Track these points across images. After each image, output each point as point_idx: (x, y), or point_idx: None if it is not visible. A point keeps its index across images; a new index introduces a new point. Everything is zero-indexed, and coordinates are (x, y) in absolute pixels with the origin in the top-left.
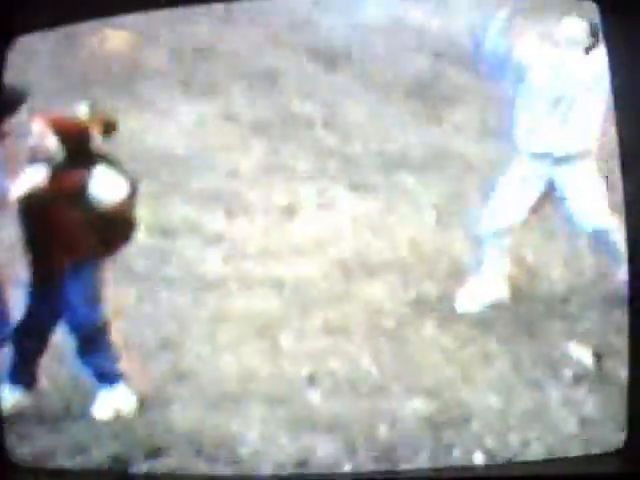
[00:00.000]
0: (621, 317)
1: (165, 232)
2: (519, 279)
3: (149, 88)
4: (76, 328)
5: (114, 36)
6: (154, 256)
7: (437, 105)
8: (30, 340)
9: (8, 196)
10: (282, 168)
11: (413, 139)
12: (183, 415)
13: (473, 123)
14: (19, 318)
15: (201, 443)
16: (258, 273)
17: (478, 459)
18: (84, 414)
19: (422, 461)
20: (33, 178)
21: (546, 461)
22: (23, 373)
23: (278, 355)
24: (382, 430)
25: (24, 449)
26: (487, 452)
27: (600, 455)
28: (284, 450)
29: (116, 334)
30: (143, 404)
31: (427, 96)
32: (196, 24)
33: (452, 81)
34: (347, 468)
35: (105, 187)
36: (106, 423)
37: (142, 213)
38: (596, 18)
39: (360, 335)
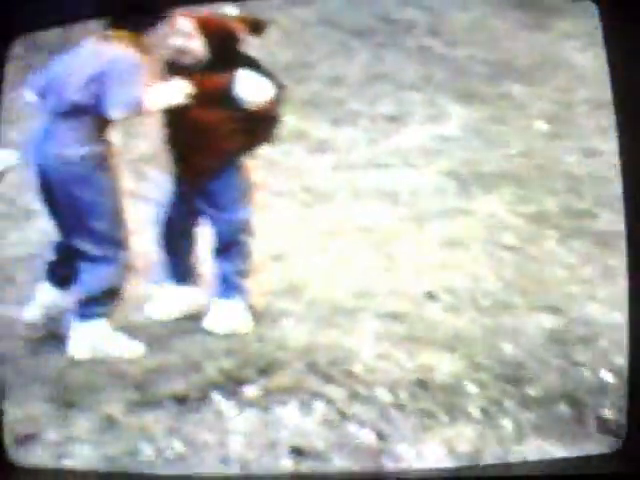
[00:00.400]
0: None
1: None
2: None
3: None
4: (220, 229)
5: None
6: (260, 165)
7: (545, 14)
8: (178, 240)
9: (149, 104)
10: (386, 76)
11: (520, 47)
12: (296, 330)
13: (581, 32)
14: (162, 221)
15: (314, 359)
16: (369, 184)
17: (607, 377)
18: (197, 328)
19: (551, 380)
20: (176, 90)
21: (545, 461)
22: (181, 271)
23: (394, 269)
24: (506, 347)
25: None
26: (615, 370)
27: (600, 455)
28: (401, 368)
29: None
30: (255, 318)
31: (534, 4)
32: None
33: None
34: (470, 388)
35: (250, 89)
36: (219, 338)
37: None
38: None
39: (479, 249)
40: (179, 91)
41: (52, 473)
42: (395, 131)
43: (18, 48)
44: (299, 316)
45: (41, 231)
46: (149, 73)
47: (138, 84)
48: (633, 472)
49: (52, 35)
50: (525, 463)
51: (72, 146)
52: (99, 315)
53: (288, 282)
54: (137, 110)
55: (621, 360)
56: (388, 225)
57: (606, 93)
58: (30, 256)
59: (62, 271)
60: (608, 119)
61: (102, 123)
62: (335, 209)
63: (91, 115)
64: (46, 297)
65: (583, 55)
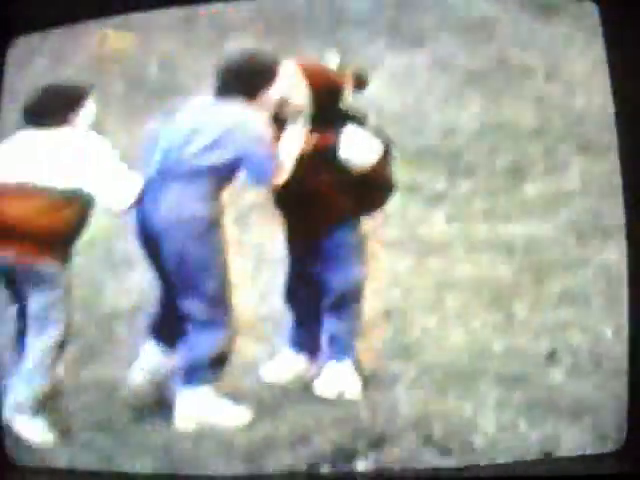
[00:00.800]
0: None
1: None
2: None
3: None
4: (333, 287)
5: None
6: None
7: None
8: (299, 305)
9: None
10: (504, 124)
11: None
12: (409, 397)
13: None
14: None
15: (430, 430)
16: (484, 235)
17: None
18: (307, 395)
19: None
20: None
21: (546, 461)
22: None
23: (513, 328)
24: None
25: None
26: None
27: (600, 455)
28: (524, 438)
29: None
30: (365, 383)
31: None
32: None
33: None
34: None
35: (357, 151)
36: (328, 406)
37: None
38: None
39: (601, 305)
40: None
41: (52, 473)
42: (513, 181)
43: (18, 48)
44: (412, 380)
45: (143, 282)
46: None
47: (271, 146)
48: (633, 472)
49: (52, 35)
50: (525, 463)
51: (188, 206)
52: (206, 381)
53: (399, 342)
54: (276, 175)
55: None
56: (505, 278)
57: None
58: (131, 310)
59: (168, 330)
60: None
61: (223, 183)
62: (449, 261)
63: (213, 176)
64: (151, 358)
65: None
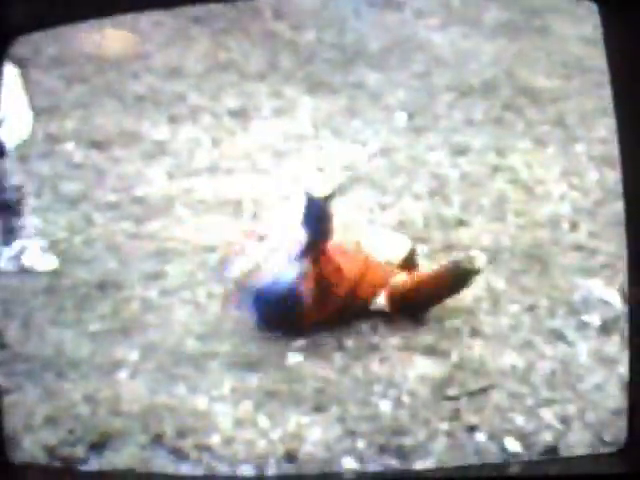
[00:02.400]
0: None
1: (97, 144)
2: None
3: None
4: None
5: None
6: (86, 175)
7: None
8: None
9: None
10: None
11: (370, 28)
12: (133, 387)
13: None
14: None
15: (160, 428)
16: (209, 192)
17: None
18: None
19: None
20: None
21: (546, 461)
22: None
23: None
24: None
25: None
26: None
27: (600, 455)
28: (265, 435)
29: None
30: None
31: None
32: None
33: None
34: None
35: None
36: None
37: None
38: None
39: None
40: None
41: (52, 473)
42: (241, 128)
43: (18, 48)
44: (134, 367)
45: None
46: None
47: None
48: (633, 472)
49: (52, 35)
50: (525, 463)
51: None
52: None
53: (117, 319)
54: None
55: None
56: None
57: (470, 78)
58: None
59: None
60: (475, 109)
61: None
62: (171, 225)
63: None
64: None
65: (442, 34)
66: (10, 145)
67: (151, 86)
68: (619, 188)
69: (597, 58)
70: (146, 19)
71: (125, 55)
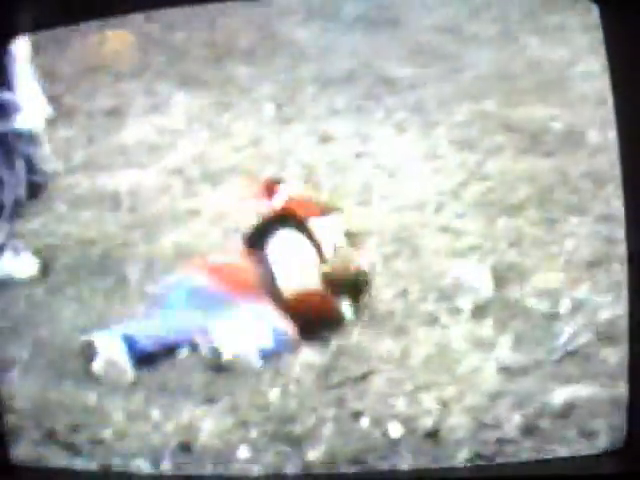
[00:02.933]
0: None
1: None
2: None
3: None
4: None
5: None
6: None
7: None
8: None
9: None
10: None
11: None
12: (24, 384)
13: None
14: None
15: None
16: (86, 188)
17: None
18: None
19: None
20: None
21: (545, 461)
22: None
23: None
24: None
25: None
26: None
27: (600, 455)
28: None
29: None
30: None
31: None
32: None
33: None
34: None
35: None
36: None
37: None
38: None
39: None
40: None
41: (52, 473)
42: (115, 126)
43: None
44: (26, 364)
45: None
46: None
47: None
48: (633, 472)
49: (52, 35)
50: (525, 463)
51: None
52: None
53: (7, 318)
54: None
55: None
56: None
57: (332, 70)
58: None
59: None
60: (338, 99)
61: None
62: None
63: None
64: None
65: (304, 30)
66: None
67: None
68: (480, 170)
69: (450, 44)
70: None
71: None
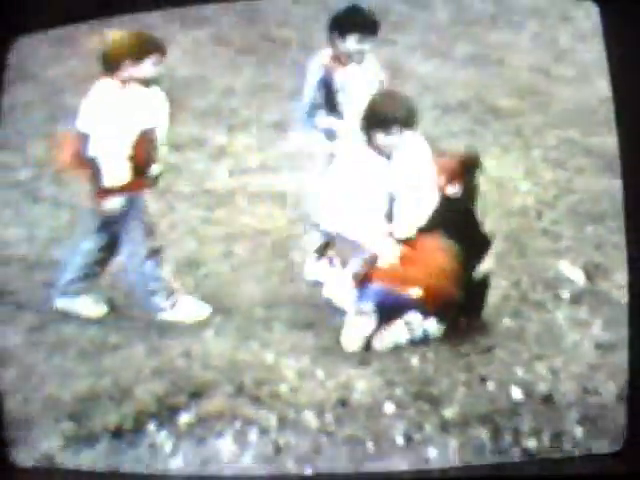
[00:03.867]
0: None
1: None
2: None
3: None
4: None
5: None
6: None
7: None
8: None
9: None
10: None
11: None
12: (218, 345)
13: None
14: None
15: (241, 379)
16: (261, 186)
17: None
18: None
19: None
20: None
21: (546, 461)
22: None
23: (293, 275)
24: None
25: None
26: None
27: (600, 455)
28: (323, 386)
29: None
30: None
31: None
32: None
33: None
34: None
35: None
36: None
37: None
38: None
39: None
40: None
41: (52, 473)
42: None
43: (18, 48)
44: (218, 328)
45: None
46: None
47: None
48: (633, 472)
49: (52, 35)
50: (525, 463)
51: None
52: None
53: (200, 291)
54: None
55: None
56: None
57: (450, 98)
58: None
59: None
60: (453, 123)
61: None
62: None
63: None
64: None
65: (426, 65)
66: None
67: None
68: (569, 185)
69: (542, 82)
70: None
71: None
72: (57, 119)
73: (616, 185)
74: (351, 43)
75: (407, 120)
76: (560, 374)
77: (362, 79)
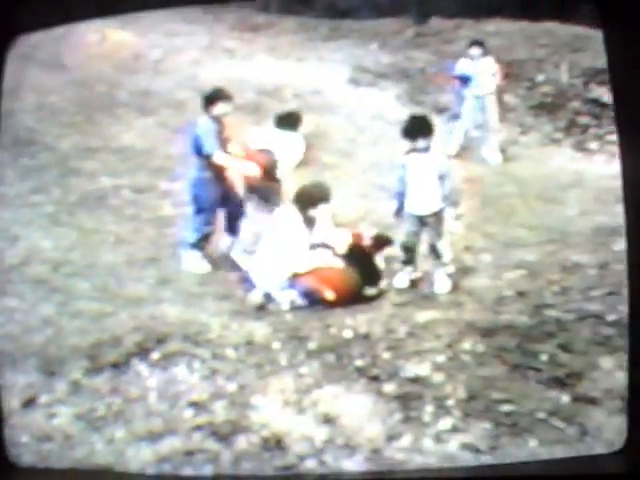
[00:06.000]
0: None
1: None
2: None
3: None
4: None
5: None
6: None
7: None
8: None
9: None
10: None
11: None
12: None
13: None
14: None
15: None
16: None
17: None
18: None
19: None
20: None
21: (546, 461)
22: None
23: None
24: None
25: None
26: None
27: (600, 455)
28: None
29: None
30: None
31: None
32: None
33: None
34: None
35: None
36: None
37: None
38: None
39: None
40: None
41: (52, 473)
42: None
43: (18, 48)
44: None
45: None
46: None
47: None
48: (633, 472)
49: (52, 35)
50: (525, 463)
51: None
52: None
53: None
54: None
55: None
56: None
57: None
58: None
59: None
60: None
61: None
62: None
63: None
64: None
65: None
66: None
67: None
68: None
69: None
70: None
71: None
72: None
73: None
74: None
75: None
76: None
77: None
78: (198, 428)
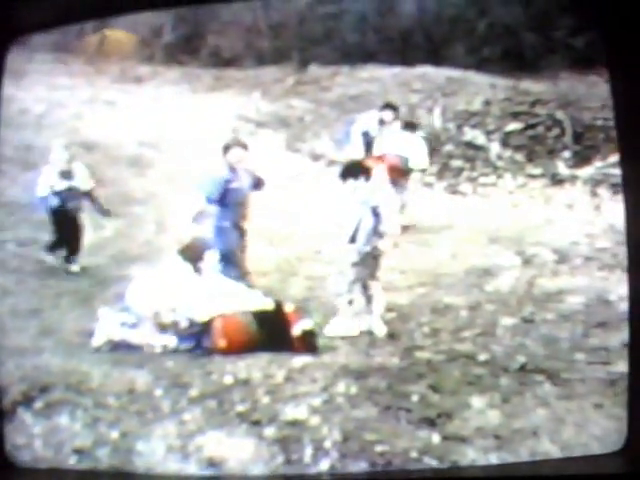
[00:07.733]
0: None
1: None
2: None
3: None
4: None
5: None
6: None
7: None
8: None
9: None
10: None
11: None
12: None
13: None
14: None
15: None
16: None
17: None
18: None
19: None
20: None
21: (546, 461)
22: None
23: None
24: None
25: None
26: None
27: (600, 455)
28: None
29: None
30: None
31: None
32: None
33: None
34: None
35: None
36: None
37: None
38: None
39: None
40: None
41: (52, 473)
42: None
43: (18, 48)
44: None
45: None
46: None
47: None
48: (633, 472)
49: (52, 35)
50: (525, 463)
51: None
52: None
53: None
54: None
55: None
56: None
57: None
58: None
59: None
60: None
61: None
62: None
63: None
64: None
65: None
66: None
67: None
68: None
69: None
70: None
71: None
72: None
73: None
74: None
75: None
76: None
77: None
78: (82, 474)
